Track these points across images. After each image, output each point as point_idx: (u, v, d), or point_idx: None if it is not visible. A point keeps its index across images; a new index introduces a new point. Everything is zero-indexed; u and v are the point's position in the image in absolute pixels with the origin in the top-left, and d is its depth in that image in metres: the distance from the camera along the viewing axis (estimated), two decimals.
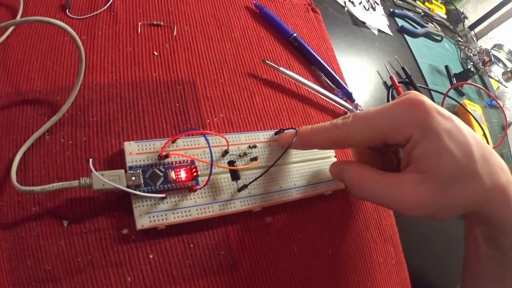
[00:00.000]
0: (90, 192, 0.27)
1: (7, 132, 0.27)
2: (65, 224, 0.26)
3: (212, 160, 0.27)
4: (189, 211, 0.28)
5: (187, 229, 0.29)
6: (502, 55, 1.03)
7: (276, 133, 0.33)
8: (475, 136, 0.27)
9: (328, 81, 0.46)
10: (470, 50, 0.98)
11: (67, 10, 0.34)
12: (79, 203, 0.26)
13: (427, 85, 0.71)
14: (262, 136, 0.33)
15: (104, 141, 0.29)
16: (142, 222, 0.26)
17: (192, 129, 0.31)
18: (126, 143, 0.27)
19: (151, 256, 0.27)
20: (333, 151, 0.38)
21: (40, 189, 0.24)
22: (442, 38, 0.93)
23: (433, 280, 0.54)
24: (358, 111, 0.45)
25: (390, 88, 0.60)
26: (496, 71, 1.04)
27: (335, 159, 0.37)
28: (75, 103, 0.29)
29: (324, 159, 0.36)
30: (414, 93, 0.27)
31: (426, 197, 0.26)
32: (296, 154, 0.35)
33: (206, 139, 0.28)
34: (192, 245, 0.28)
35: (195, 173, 0.28)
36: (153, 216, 0.26)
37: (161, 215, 0.27)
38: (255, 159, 0.31)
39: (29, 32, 0.31)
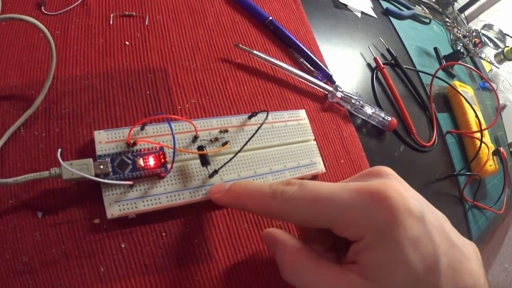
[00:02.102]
0: (62, 182, 0.27)
1: None
2: (40, 216, 0.26)
3: (174, 145, 0.27)
4: (159, 198, 0.28)
5: (159, 218, 0.29)
6: (492, 35, 1.02)
7: (249, 117, 0.33)
8: (449, 239, 0.23)
9: (307, 64, 0.46)
10: (459, 32, 0.97)
11: (42, 7, 0.34)
12: (52, 194, 0.27)
13: (414, 66, 0.71)
14: (234, 121, 0.33)
15: (76, 132, 0.29)
16: (112, 211, 0.26)
17: (157, 114, 0.31)
18: (96, 132, 0.27)
19: (123, 246, 0.27)
20: (312, 133, 0.38)
21: (13, 181, 0.25)
22: (430, 21, 0.92)
23: None
24: (337, 92, 0.45)
25: (374, 70, 0.59)
26: (488, 52, 1.03)
27: (314, 143, 0.37)
28: (48, 96, 0.30)
29: (303, 142, 0.36)
30: (382, 182, 0.23)
31: None
32: (272, 138, 0.34)
33: (169, 124, 0.28)
34: (164, 234, 0.28)
35: (163, 160, 0.28)
36: (123, 205, 0.26)
37: (131, 204, 0.27)
38: (225, 143, 0.31)
39: (6, 30, 0.32)
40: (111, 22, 0.35)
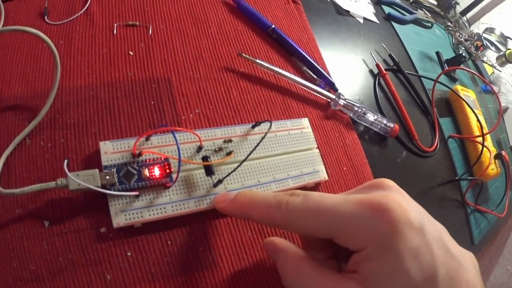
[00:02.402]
0: (69, 192, 0.27)
1: None
2: (46, 225, 0.26)
3: (179, 156, 0.27)
4: (164, 208, 0.28)
5: (164, 226, 0.29)
6: (493, 38, 1.02)
7: (253, 126, 0.34)
8: (447, 250, 0.24)
9: (310, 72, 0.46)
10: (461, 35, 0.97)
11: (45, 17, 0.34)
12: (59, 204, 0.27)
13: (416, 71, 0.71)
14: (238, 130, 0.33)
15: (81, 142, 0.29)
16: (118, 220, 0.26)
17: (162, 126, 0.32)
18: (101, 143, 0.28)
19: (129, 254, 0.27)
20: (315, 141, 0.38)
21: (20, 191, 0.25)
22: (432, 25, 0.93)
23: None
24: (339, 99, 0.45)
25: (376, 76, 0.60)
26: (490, 55, 1.03)
27: (317, 151, 0.38)
28: (53, 107, 0.30)
29: (305, 151, 0.37)
30: (384, 195, 0.23)
31: None
32: (275, 147, 0.35)
33: (174, 136, 0.28)
34: (169, 242, 0.29)
35: (168, 170, 0.28)
36: (129, 214, 0.27)
37: (137, 213, 0.27)
38: (230, 153, 0.31)
39: (10, 41, 0.32)
40: (115, 32, 0.35)
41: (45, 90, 0.30)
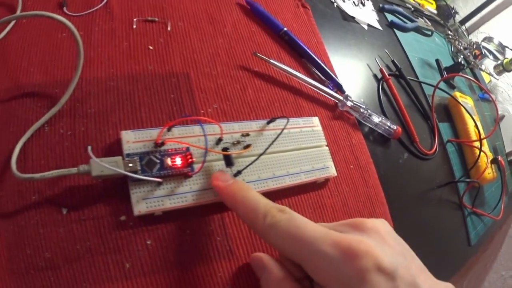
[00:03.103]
0: (88, 180, 0.28)
1: (7, 124, 0.28)
2: (64, 212, 0.26)
3: (206, 145, 0.28)
4: (185, 197, 0.29)
5: (184, 216, 0.29)
6: (492, 48, 1.04)
7: (268, 122, 0.35)
8: None
9: (319, 73, 0.47)
10: (460, 44, 0.99)
11: (64, 8, 0.35)
12: (78, 191, 0.27)
13: (417, 77, 0.73)
14: (255, 125, 0.34)
15: (102, 131, 0.30)
16: (139, 208, 0.27)
17: (185, 116, 0.32)
18: (123, 132, 0.28)
19: (148, 242, 0.28)
20: (324, 139, 0.39)
21: (40, 176, 0.25)
22: (432, 33, 0.95)
23: (428, 267, 0.55)
24: (347, 101, 0.46)
25: (380, 80, 0.61)
26: (488, 64, 1.05)
27: (327, 148, 0.39)
28: (73, 96, 0.30)
29: (316, 148, 0.38)
30: (358, 240, 0.24)
31: None
32: (288, 143, 0.36)
33: (201, 125, 0.29)
34: (188, 231, 0.29)
35: (190, 160, 0.29)
36: (150, 202, 0.27)
37: (158, 201, 0.28)
38: (248, 146, 0.32)
39: (28, 29, 0.33)
40: (135, 26, 0.36)
41: (65, 79, 0.31)
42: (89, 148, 0.26)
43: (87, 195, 0.27)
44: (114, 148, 0.29)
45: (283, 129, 0.33)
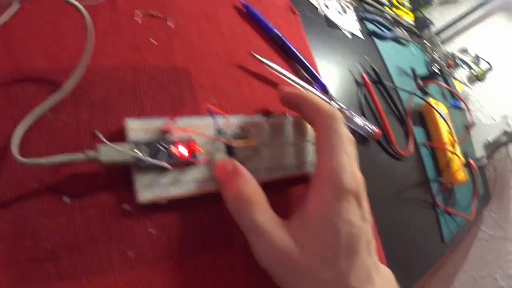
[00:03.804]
0: (91, 167, 0.27)
1: (8, 109, 0.27)
2: (66, 201, 0.26)
3: (217, 135, 0.30)
4: (189, 185, 0.30)
5: (186, 205, 0.30)
6: (468, 59, 1.09)
7: (266, 117, 0.36)
8: None
9: (306, 75, 0.50)
10: (435, 53, 1.04)
11: None
12: (80, 179, 0.27)
13: (394, 84, 0.76)
14: (254, 120, 0.36)
15: (106, 119, 0.30)
16: (144, 195, 0.27)
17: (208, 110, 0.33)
18: (128, 120, 0.28)
19: (151, 231, 0.28)
20: (313, 136, 0.41)
21: (46, 161, 0.24)
22: (409, 42, 0.99)
23: (407, 260, 0.58)
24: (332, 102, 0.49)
25: (361, 84, 0.64)
26: (461, 74, 1.10)
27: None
28: (77, 84, 0.29)
29: (305, 143, 0.40)
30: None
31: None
32: (286, 136, 0.38)
33: (212, 114, 0.31)
34: (191, 221, 0.30)
35: (195, 149, 0.30)
36: (155, 190, 0.28)
37: (163, 189, 0.28)
38: (248, 139, 0.34)
39: (32, 15, 0.31)
40: (138, 19, 0.36)
41: (69, 67, 0.29)
42: (98, 132, 0.25)
43: (89, 183, 0.27)
44: (118, 137, 0.29)
45: (281, 124, 0.35)
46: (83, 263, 0.25)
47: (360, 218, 0.30)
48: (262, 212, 0.29)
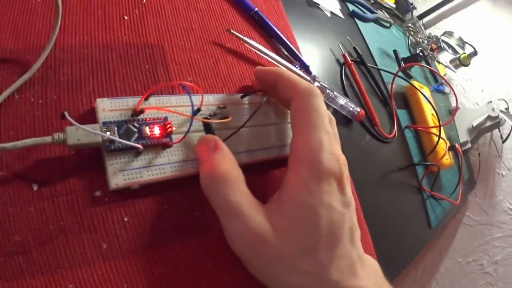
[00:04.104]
0: (61, 152, 0.26)
1: None
2: (35, 188, 0.24)
3: (193, 113, 0.28)
4: (163, 168, 0.28)
5: (161, 190, 0.29)
6: (452, 42, 1.09)
7: (242, 97, 0.35)
8: None
9: (287, 54, 0.48)
10: (419, 37, 1.03)
11: None
12: (49, 164, 0.25)
13: (376, 65, 0.75)
14: (231, 98, 0.34)
15: (75, 100, 0.28)
16: (117, 180, 0.26)
17: (171, 83, 0.32)
18: (98, 100, 0.27)
19: (125, 220, 0.27)
20: None
21: (12, 146, 0.23)
22: (390, 25, 0.98)
23: (393, 247, 0.58)
24: (315, 82, 0.48)
25: (342, 65, 0.63)
26: (444, 57, 1.10)
27: None
28: (46, 63, 0.28)
29: (286, 124, 0.38)
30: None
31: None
32: (266, 118, 0.36)
33: (187, 90, 0.29)
34: (166, 207, 0.29)
35: (169, 129, 0.28)
36: (128, 174, 0.26)
37: (136, 173, 0.26)
38: (226, 117, 0.32)
39: None
40: None
41: (38, 45, 0.28)
42: (66, 113, 0.23)
43: (59, 168, 0.25)
44: (88, 118, 0.28)
45: (261, 104, 0.33)
46: (56, 257, 0.23)
47: (342, 204, 0.28)
48: (237, 192, 0.27)
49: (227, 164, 0.28)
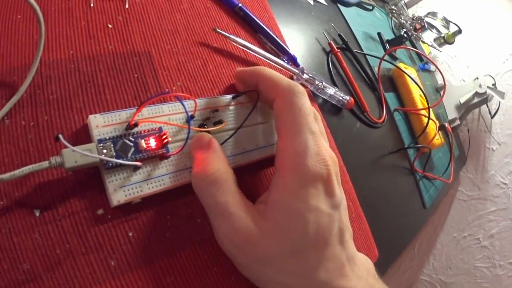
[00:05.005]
0: (58, 174, 0.25)
1: None
2: (37, 214, 0.24)
3: (189, 123, 0.27)
4: (162, 180, 0.28)
5: (162, 200, 0.29)
6: (437, 22, 1.09)
7: (233, 97, 0.34)
8: None
9: (274, 48, 0.48)
10: (402, 18, 1.03)
11: None
12: (48, 188, 0.25)
13: (362, 50, 0.75)
14: (222, 101, 0.34)
15: (67, 118, 0.27)
16: (118, 197, 0.25)
17: (163, 93, 0.32)
18: (91, 116, 0.26)
19: (130, 234, 0.26)
20: None
21: (10, 176, 0.22)
22: (373, 7, 0.98)
23: (390, 230, 0.59)
24: (303, 74, 0.47)
25: (329, 53, 0.63)
26: (428, 36, 1.11)
27: None
28: (33, 82, 0.27)
29: None
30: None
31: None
32: (259, 117, 0.36)
33: (181, 102, 0.28)
34: (169, 216, 0.29)
35: (165, 140, 0.28)
36: (128, 190, 0.26)
37: (136, 187, 0.26)
38: (220, 122, 0.32)
39: None
40: (92, 4, 0.33)
41: (23, 64, 0.27)
42: (61, 136, 0.23)
43: (58, 191, 0.25)
44: (81, 135, 0.27)
45: (256, 103, 0.33)
46: (66, 280, 0.23)
47: (329, 206, 0.28)
48: (226, 192, 0.27)
49: (218, 164, 0.28)
